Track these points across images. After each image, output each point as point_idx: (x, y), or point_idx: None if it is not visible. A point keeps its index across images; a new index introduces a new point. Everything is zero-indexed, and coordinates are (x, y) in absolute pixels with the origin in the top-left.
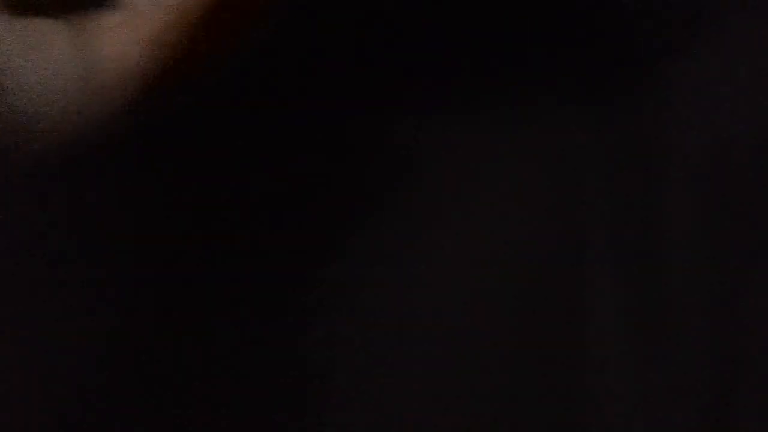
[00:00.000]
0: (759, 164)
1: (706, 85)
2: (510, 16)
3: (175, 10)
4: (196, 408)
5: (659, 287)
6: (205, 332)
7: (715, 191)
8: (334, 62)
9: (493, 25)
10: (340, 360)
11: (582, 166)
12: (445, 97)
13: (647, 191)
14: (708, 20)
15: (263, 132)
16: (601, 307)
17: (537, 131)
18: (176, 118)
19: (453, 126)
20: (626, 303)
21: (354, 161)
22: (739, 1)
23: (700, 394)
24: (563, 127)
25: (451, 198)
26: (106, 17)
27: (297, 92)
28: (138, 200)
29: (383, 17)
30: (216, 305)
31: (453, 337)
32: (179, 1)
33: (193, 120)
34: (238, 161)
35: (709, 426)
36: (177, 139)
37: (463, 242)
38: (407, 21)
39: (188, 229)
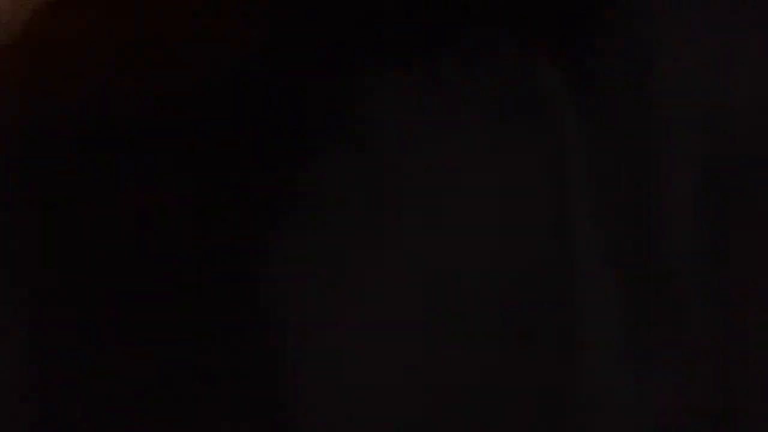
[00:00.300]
0: (759, 138)
1: (700, 51)
2: None
3: None
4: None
5: (651, 272)
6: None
7: (712, 168)
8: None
9: None
10: (316, 352)
11: (565, 140)
12: (417, 73)
13: (636, 173)
14: None
15: (223, 100)
16: (590, 292)
17: (517, 105)
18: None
19: (425, 101)
20: (618, 290)
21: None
22: None
23: (697, 385)
24: (546, 101)
25: (427, 180)
26: None
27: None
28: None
29: None
30: (177, 305)
31: (432, 321)
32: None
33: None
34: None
35: (709, 417)
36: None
37: (443, 222)
38: None
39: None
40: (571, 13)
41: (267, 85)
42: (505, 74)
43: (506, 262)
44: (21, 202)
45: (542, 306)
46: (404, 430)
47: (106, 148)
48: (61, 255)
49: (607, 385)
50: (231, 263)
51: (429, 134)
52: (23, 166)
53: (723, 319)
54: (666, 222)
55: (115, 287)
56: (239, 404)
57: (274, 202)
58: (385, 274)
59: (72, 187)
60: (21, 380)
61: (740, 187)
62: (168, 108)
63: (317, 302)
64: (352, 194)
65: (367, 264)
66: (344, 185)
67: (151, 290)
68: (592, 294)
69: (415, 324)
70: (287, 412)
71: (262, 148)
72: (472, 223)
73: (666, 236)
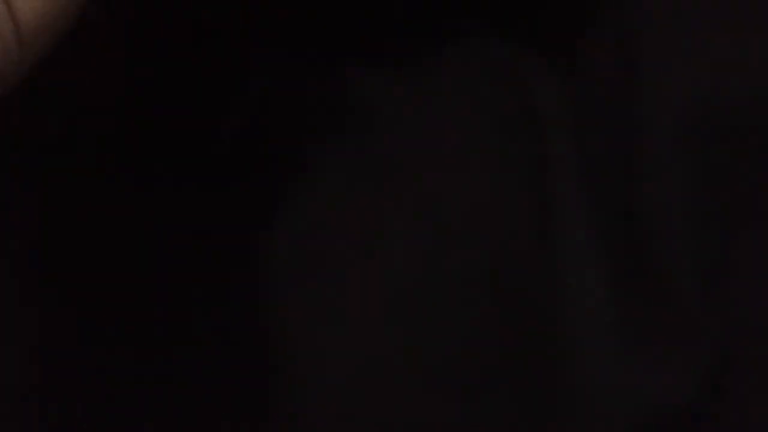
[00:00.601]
0: (755, 132)
1: (697, 48)
2: None
3: None
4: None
5: (643, 266)
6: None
7: (707, 162)
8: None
9: None
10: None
11: (549, 118)
12: (402, 51)
13: (630, 171)
14: None
15: (216, 84)
16: (581, 287)
17: (501, 82)
18: None
19: (411, 79)
20: (604, 262)
21: (315, 117)
22: None
23: (682, 346)
24: (527, 77)
25: (413, 151)
26: None
27: (255, 47)
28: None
29: None
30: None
31: (428, 316)
32: None
33: None
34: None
35: (702, 411)
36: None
37: (427, 195)
38: None
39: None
40: (567, 13)
41: (265, 82)
42: (501, 74)
43: (496, 255)
44: (21, 202)
45: (531, 298)
46: (403, 428)
47: (105, 147)
48: (61, 255)
49: (598, 377)
50: (230, 262)
51: (424, 134)
52: (24, 166)
53: (718, 310)
54: (659, 217)
55: (115, 287)
56: (239, 404)
57: (272, 200)
58: (382, 273)
59: (72, 187)
60: (21, 380)
61: (735, 179)
62: (166, 106)
63: (316, 301)
64: (349, 193)
65: (364, 262)
66: (341, 184)
67: (150, 290)
68: (582, 289)
69: (414, 321)
70: (287, 412)
71: (259, 146)
72: (465, 221)
73: (658, 230)
